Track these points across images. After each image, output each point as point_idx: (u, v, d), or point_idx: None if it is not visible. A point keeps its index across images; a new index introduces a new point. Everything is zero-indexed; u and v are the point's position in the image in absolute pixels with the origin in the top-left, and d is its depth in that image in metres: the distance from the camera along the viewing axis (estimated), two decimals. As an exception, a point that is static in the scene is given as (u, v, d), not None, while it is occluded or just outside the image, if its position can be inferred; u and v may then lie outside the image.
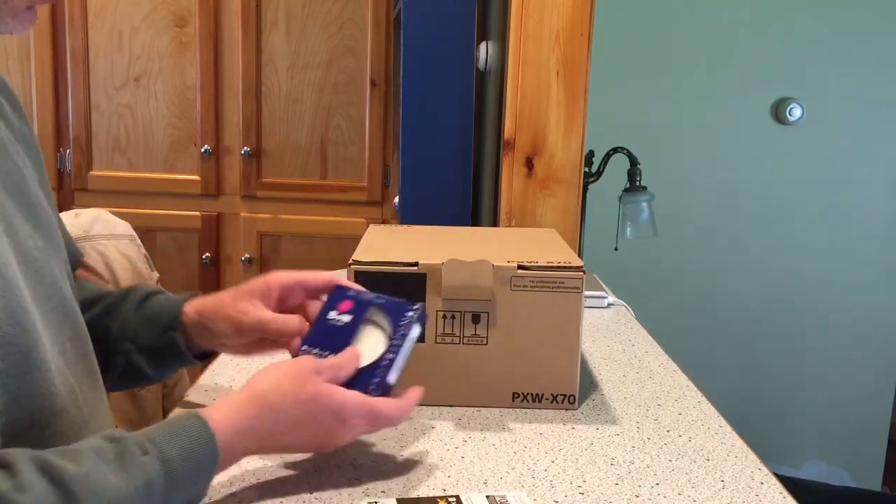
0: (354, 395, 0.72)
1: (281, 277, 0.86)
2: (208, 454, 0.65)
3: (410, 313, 0.78)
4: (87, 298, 0.92)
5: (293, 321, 0.83)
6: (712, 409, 0.99)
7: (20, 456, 0.57)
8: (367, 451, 0.82)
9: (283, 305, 0.86)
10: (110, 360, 0.88)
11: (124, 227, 1.33)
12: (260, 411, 0.69)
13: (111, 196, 2.41)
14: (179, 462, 0.62)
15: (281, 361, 0.74)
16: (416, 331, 0.78)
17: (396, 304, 0.80)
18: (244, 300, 0.84)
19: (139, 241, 1.34)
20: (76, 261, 0.97)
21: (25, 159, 0.80)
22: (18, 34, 0.71)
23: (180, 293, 0.91)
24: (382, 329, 0.79)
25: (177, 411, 0.69)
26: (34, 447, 0.58)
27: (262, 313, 0.83)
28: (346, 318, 0.81)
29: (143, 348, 0.88)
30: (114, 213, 1.34)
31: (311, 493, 0.73)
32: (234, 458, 0.69)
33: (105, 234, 1.28)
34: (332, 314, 0.82)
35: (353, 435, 0.73)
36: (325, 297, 0.86)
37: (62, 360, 0.73)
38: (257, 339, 0.85)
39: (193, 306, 0.87)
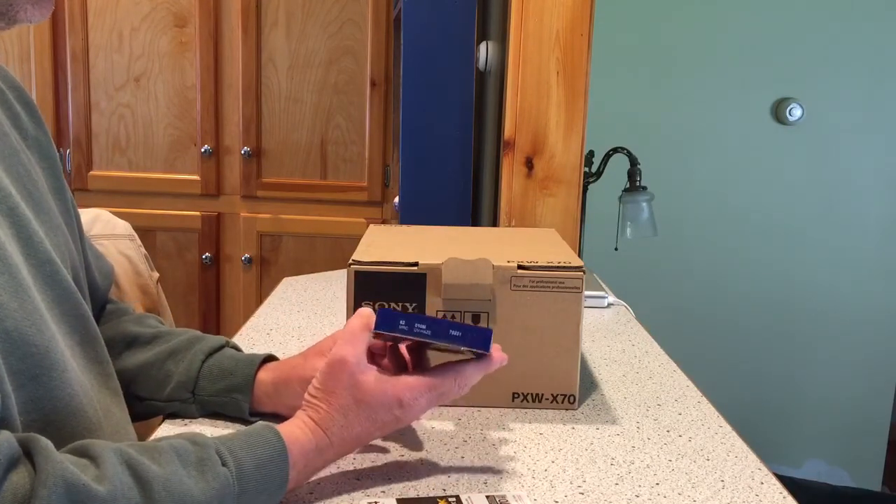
0: (407, 382, 0.73)
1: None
2: (280, 473, 0.67)
3: (479, 338, 0.73)
4: (145, 335, 0.92)
5: None
6: (712, 408, 0.99)
7: (105, 448, 0.59)
8: (367, 451, 0.82)
9: None
10: (162, 404, 0.89)
11: (124, 227, 1.33)
12: (330, 439, 0.72)
13: (111, 196, 2.41)
14: (253, 477, 0.64)
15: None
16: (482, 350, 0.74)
17: (445, 337, 0.73)
18: (317, 358, 0.85)
19: (139, 241, 1.34)
20: (110, 282, 0.98)
21: (37, 168, 0.80)
22: (36, 23, 0.71)
23: (254, 354, 0.90)
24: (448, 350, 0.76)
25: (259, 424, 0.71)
26: None
27: None
28: (407, 342, 0.79)
29: (201, 400, 0.88)
30: (114, 213, 1.34)
31: (310, 493, 0.73)
32: (309, 474, 0.72)
33: (105, 234, 1.28)
34: (393, 338, 0.78)
35: (418, 412, 0.74)
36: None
37: (74, 363, 0.73)
38: None
39: (269, 374, 0.87)
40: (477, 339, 0.73)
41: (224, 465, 0.63)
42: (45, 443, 0.57)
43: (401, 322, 0.72)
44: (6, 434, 0.55)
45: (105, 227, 1.30)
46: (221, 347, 0.91)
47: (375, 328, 0.73)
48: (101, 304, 0.97)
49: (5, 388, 0.62)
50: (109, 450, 0.59)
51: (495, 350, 0.76)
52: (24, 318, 0.65)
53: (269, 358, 0.90)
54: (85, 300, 0.81)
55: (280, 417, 0.87)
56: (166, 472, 0.59)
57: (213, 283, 2.46)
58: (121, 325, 0.94)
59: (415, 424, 0.89)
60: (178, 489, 0.59)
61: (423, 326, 0.72)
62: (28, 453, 0.56)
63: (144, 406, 0.89)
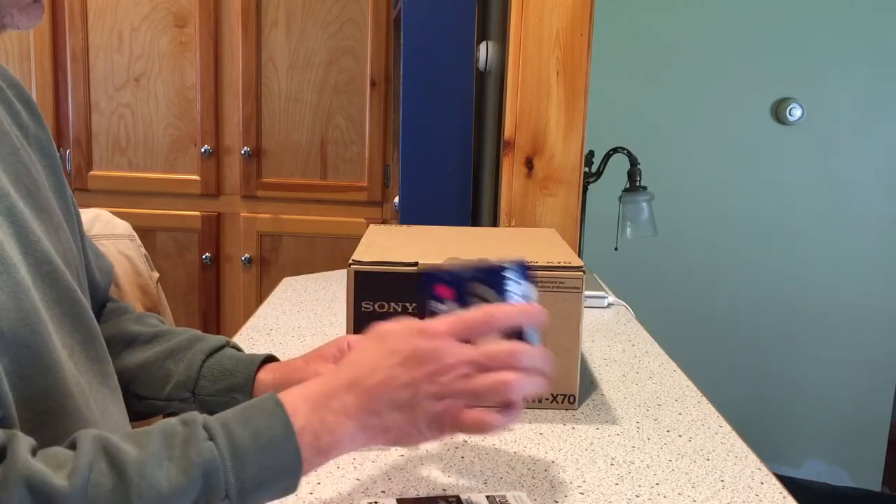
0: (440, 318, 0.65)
1: (351, 340, 0.86)
2: (280, 426, 0.59)
3: (507, 273, 0.69)
4: (145, 333, 0.92)
5: None
6: (712, 408, 0.99)
7: (86, 437, 0.57)
8: (368, 451, 0.82)
9: None
10: (162, 403, 0.88)
11: (124, 227, 1.33)
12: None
13: (111, 196, 2.41)
14: (247, 443, 0.57)
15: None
16: (524, 288, 0.69)
17: (491, 271, 0.70)
18: (319, 363, 0.84)
19: (139, 241, 1.34)
20: (110, 280, 0.98)
21: (39, 166, 0.80)
22: (25, 30, 0.70)
23: (254, 354, 0.90)
24: (491, 300, 0.71)
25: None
26: (43, 447, 0.58)
27: None
28: (453, 306, 0.72)
29: (200, 399, 0.88)
30: (114, 213, 1.34)
31: (311, 493, 0.73)
32: (325, 418, 0.60)
33: (105, 234, 1.28)
34: (435, 305, 0.72)
35: (443, 345, 0.62)
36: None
37: (72, 363, 0.73)
38: None
39: (269, 374, 0.87)
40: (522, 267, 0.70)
41: (211, 438, 0.57)
42: (18, 442, 0.55)
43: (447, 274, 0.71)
44: None
45: (105, 227, 1.30)
46: (222, 347, 0.91)
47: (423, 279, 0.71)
48: (102, 303, 0.97)
49: (3, 388, 0.62)
50: (90, 438, 0.57)
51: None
52: (19, 318, 0.65)
53: (270, 358, 0.90)
54: (85, 298, 0.81)
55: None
56: (144, 455, 0.56)
57: (213, 283, 2.46)
58: (121, 323, 0.94)
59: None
60: (153, 472, 0.55)
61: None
62: (3, 453, 0.55)
63: (144, 405, 0.89)
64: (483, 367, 0.62)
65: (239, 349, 0.93)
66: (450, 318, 0.64)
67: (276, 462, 0.58)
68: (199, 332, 0.93)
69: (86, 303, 0.78)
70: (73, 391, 0.70)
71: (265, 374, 0.87)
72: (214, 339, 0.91)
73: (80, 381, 0.73)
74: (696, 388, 1.05)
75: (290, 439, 0.58)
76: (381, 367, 0.62)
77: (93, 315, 0.79)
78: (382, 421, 0.61)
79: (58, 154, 0.85)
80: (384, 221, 2.39)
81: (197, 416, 0.60)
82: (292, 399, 0.60)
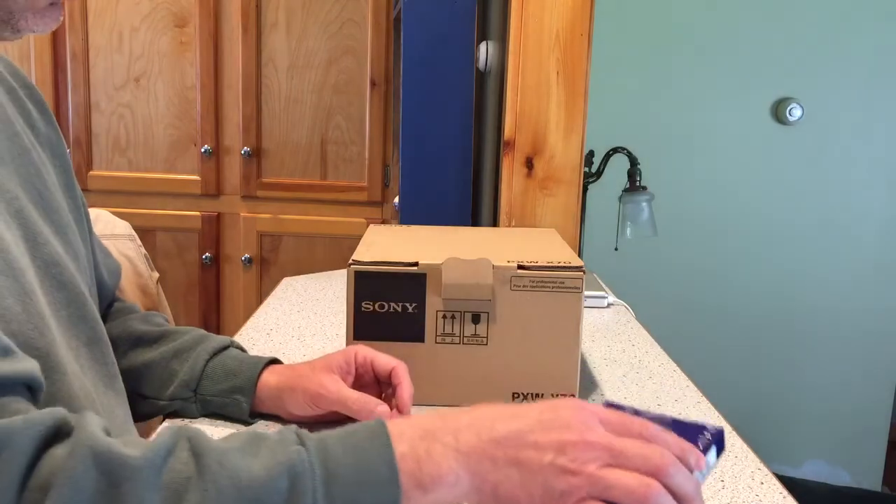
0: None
1: (359, 352, 0.86)
2: (379, 450, 0.54)
3: (706, 434, 0.61)
4: (151, 333, 0.92)
5: (375, 402, 0.81)
6: (712, 408, 0.99)
7: (171, 427, 0.55)
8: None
9: (357, 382, 0.86)
10: (164, 402, 0.89)
11: (124, 227, 1.33)
12: (447, 416, 0.58)
13: (111, 196, 2.41)
14: (339, 454, 0.53)
15: None
16: (712, 456, 0.61)
17: (685, 426, 0.63)
18: (324, 373, 0.84)
19: (139, 241, 1.34)
20: (117, 280, 0.98)
21: (49, 166, 0.81)
22: (42, 33, 0.69)
23: (258, 356, 0.90)
24: None
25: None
26: None
27: (344, 389, 0.83)
28: None
29: (202, 399, 0.88)
30: (114, 213, 1.34)
31: (311, 493, 0.73)
32: (426, 461, 0.54)
33: (105, 234, 1.27)
34: None
35: (595, 433, 0.55)
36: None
37: (77, 366, 0.73)
38: (330, 413, 0.84)
39: (273, 377, 0.87)
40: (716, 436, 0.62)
41: (302, 444, 0.54)
42: (88, 418, 0.53)
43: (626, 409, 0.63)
44: (53, 410, 0.53)
45: (105, 227, 1.30)
46: (226, 347, 0.91)
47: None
48: (109, 302, 0.97)
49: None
50: (174, 427, 0.55)
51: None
52: (27, 320, 0.65)
53: (274, 361, 0.90)
54: (92, 298, 0.81)
55: (280, 420, 0.87)
56: (227, 447, 0.53)
57: (213, 283, 2.46)
58: (127, 323, 0.94)
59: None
60: (234, 462, 0.51)
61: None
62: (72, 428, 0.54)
63: (147, 404, 0.89)
64: (625, 462, 0.54)
65: (243, 350, 0.93)
66: (612, 410, 0.58)
67: (371, 483, 0.53)
68: (204, 332, 0.93)
69: (92, 304, 0.78)
70: (78, 393, 0.70)
71: (269, 377, 0.87)
72: (219, 340, 0.91)
73: (85, 383, 0.73)
74: (696, 388, 1.05)
75: (389, 461, 0.53)
76: (514, 417, 0.56)
77: (99, 317, 0.79)
78: (496, 472, 0.54)
79: (68, 153, 0.85)
80: (384, 221, 2.39)
81: (292, 426, 0.57)
82: (399, 424, 0.56)
